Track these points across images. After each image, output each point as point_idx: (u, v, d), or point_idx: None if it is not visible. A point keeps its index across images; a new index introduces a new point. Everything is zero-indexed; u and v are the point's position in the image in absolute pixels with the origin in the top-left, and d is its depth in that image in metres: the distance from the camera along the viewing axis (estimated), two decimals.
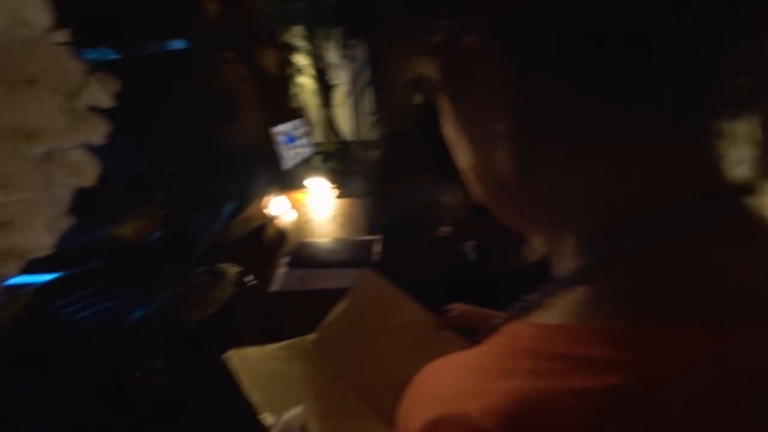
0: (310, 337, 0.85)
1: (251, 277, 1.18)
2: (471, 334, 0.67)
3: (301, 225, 1.71)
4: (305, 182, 2.06)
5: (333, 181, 2.08)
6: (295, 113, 2.50)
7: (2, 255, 0.57)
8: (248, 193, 1.77)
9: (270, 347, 0.81)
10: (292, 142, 2.21)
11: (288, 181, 2.08)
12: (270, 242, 1.48)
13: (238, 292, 1.09)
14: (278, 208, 1.73)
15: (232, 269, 1.14)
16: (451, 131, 0.29)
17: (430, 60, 0.26)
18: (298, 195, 2.01)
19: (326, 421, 0.66)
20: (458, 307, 0.72)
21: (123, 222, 1.75)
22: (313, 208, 1.89)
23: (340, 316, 0.85)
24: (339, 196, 2.00)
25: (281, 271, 1.31)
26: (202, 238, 1.04)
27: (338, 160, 2.76)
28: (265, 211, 1.69)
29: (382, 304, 0.81)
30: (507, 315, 0.29)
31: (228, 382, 0.68)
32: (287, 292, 1.21)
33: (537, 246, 1.26)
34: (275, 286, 1.24)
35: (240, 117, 2.23)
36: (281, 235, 1.54)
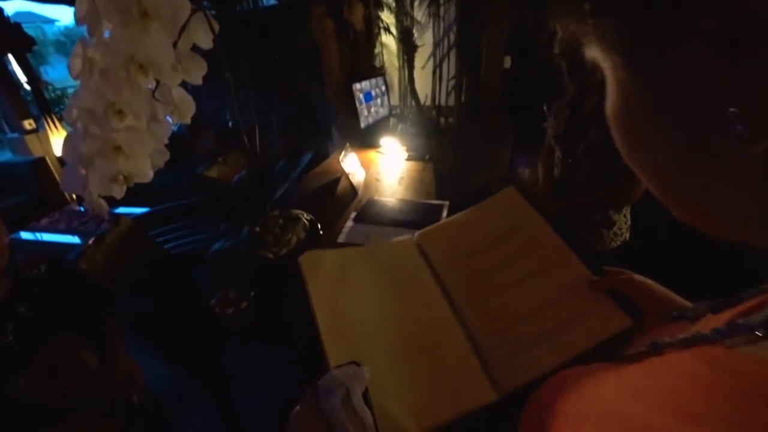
0: (403, 240, 0.72)
1: (320, 225, 1.23)
2: (630, 308, 0.54)
3: (370, 183, 1.73)
4: (379, 142, 2.07)
5: (405, 144, 2.07)
6: (376, 72, 2.49)
7: (112, 176, 0.64)
8: (326, 147, 1.83)
9: (350, 250, 0.70)
10: (369, 100, 2.21)
11: (363, 139, 2.11)
12: (341, 196, 1.52)
13: (309, 238, 1.15)
14: (351, 164, 1.77)
15: (305, 216, 1.20)
16: (633, 120, 0.21)
17: (603, 23, 0.19)
18: (370, 154, 2.03)
19: (399, 336, 0.57)
20: (630, 275, 0.56)
21: (212, 165, 1.91)
22: (384, 168, 1.90)
23: (463, 224, 0.70)
24: (409, 159, 1.98)
25: (349, 224, 1.36)
26: (281, 183, 1.09)
27: (413, 123, 2.73)
28: (341, 164, 1.73)
29: (521, 231, 0.66)
30: (698, 334, 0.23)
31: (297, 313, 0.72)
32: (352, 244, 1.25)
33: (621, 231, 1.14)
34: (342, 238, 1.28)
35: (325, 71, 2.27)
36: (353, 190, 1.58)
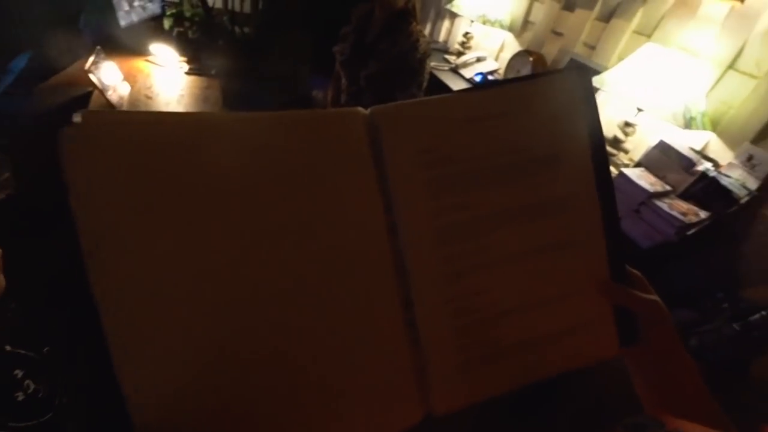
0: (342, 113, 0.35)
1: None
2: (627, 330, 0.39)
3: (139, 101, 1.44)
4: (149, 48, 1.70)
5: (185, 54, 1.76)
6: None
7: None
8: (74, 49, 1.37)
9: (206, 114, 0.32)
10: None
11: (125, 43, 1.68)
12: None
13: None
14: (108, 75, 1.41)
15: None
16: None
17: None
18: (138, 63, 1.66)
19: None
20: (657, 300, 0.38)
21: None
22: (158, 83, 1.59)
23: (484, 112, 0.36)
24: (190, 73, 1.71)
25: None
26: None
27: (195, 29, 2.31)
28: (91, 76, 1.36)
29: (565, 164, 0.38)
30: None
31: None
32: None
33: None
34: None
35: None
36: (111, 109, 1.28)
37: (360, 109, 0.34)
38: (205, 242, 0.29)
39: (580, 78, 0.38)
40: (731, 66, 1.25)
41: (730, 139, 1.28)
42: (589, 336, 0.39)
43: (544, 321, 0.38)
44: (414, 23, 1.25)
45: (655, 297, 0.38)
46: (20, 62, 0.83)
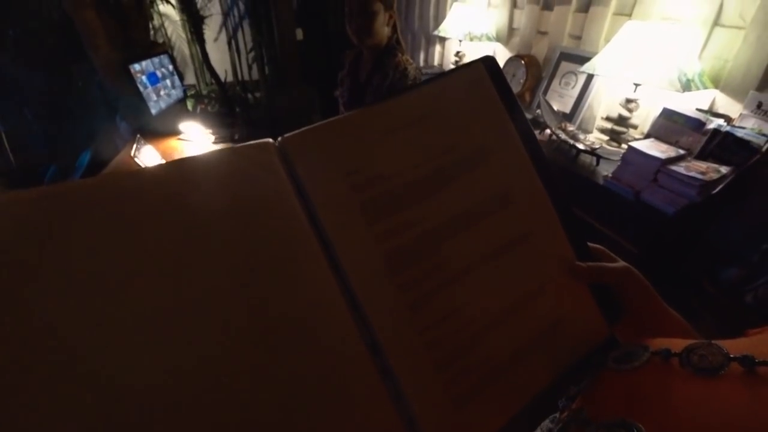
0: (240, 149, 0.32)
1: None
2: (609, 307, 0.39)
3: None
4: (178, 127, 1.91)
5: (210, 126, 1.96)
6: (157, 48, 2.22)
7: None
8: (113, 142, 1.59)
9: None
10: (156, 83, 1.99)
11: (158, 127, 1.91)
12: None
13: None
14: (149, 157, 1.60)
15: None
16: None
17: None
18: (171, 142, 1.87)
19: None
20: (627, 266, 0.39)
21: None
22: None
23: (393, 124, 0.36)
24: (217, 142, 1.90)
25: None
26: None
27: (214, 103, 2.56)
28: (136, 160, 1.55)
29: (494, 155, 0.38)
30: None
31: None
32: None
33: None
34: None
35: (88, 48, 1.91)
36: None
37: (269, 140, 0.33)
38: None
39: (485, 64, 0.39)
40: (716, 23, 1.28)
41: (734, 91, 1.29)
42: (576, 324, 0.38)
43: (527, 323, 0.36)
44: (399, 55, 1.36)
45: (623, 263, 0.39)
46: (84, 158, 0.99)
